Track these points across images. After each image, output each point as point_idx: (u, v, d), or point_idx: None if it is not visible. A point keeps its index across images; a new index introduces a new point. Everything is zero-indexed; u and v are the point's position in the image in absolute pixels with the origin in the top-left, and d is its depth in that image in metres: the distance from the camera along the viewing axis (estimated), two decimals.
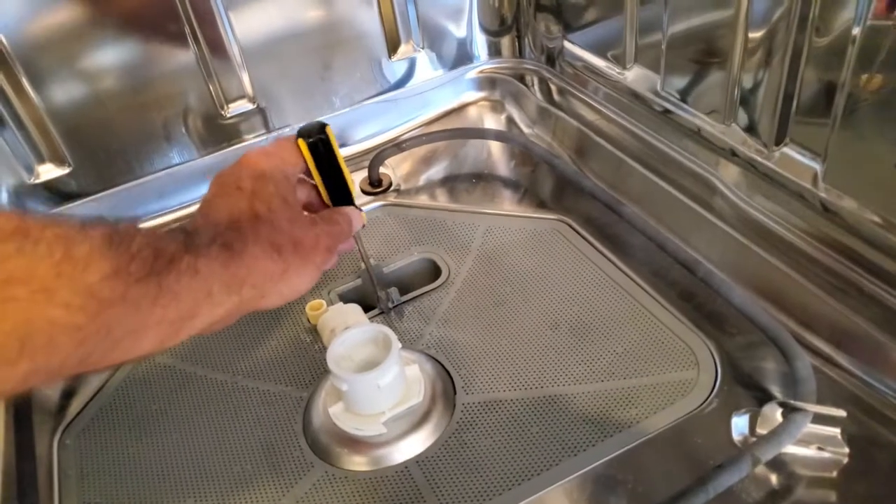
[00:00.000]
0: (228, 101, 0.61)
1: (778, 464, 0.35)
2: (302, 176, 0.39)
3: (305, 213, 0.37)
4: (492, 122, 0.70)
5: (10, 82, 0.53)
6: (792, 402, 0.34)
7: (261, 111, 0.62)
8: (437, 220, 0.58)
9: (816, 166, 0.41)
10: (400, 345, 0.41)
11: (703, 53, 0.48)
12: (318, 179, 0.40)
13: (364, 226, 0.41)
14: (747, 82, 0.45)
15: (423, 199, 0.62)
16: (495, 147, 0.66)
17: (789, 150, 0.43)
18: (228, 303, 0.30)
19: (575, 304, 0.48)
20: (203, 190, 0.35)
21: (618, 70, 0.57)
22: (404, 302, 0.51)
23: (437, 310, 0.50)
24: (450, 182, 0.65)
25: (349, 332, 0.42)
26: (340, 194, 0.41)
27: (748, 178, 0.47)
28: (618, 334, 0.45)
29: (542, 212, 0.58)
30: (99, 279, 0.24)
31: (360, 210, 0.41)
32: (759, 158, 0.45)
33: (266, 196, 0.33)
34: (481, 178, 0.64)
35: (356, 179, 0.63)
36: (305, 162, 0.39)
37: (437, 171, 0.66)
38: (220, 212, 0.32)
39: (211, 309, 0.29)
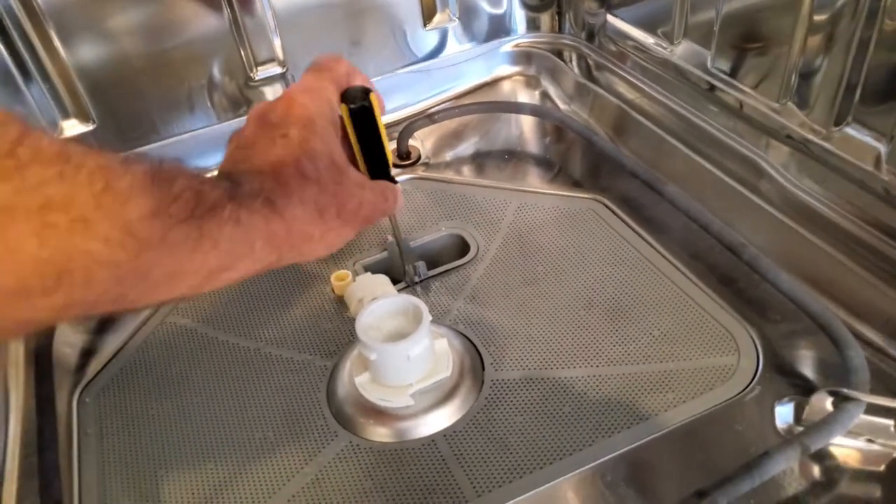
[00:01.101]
0: (258, 64, 0.59)
1: (822, 455, 0.34)
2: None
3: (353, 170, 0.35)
4: (526, 97, 0.68)
5: (39, 36, 0.52)
6: (845, 390, 0.33)
7: (288, 77, 0.61)
8: (467, 196, 0.57)
9: (881, 147, 0.39)
10: (430, 317, 0.39)
11: (761, 31, 0.46)
12: (356, 149, 0.37)
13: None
14: (808, 60, 0.43)
15: (452, 174, 0.61)
16: (528, 123, 0.64)
17: (851, 131, 0.41)
18: (266, 260, 0.29)
19: (610, 285, 0.47)
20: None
21: (665, 45, 0.55)
22: (431, 276, 0.49)
23: (465, 286, 0.48)
24: (480, 158, 0.63)
25: (379, 301, 0.41)
26: (378, 167, 0.38)
27: (799, 161, 0.45)
28: (654, 317, 0.44)
29: (577, 190, 0.56)
30: (139, 216, 0.22)
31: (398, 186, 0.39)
32: (814, 139, 0.43)
33: (314, 154, 0.31)
34: (513, 155, 0.62)
35: None
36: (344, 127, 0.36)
37: (467, 147, 0.64)
38: (264, 157, 0.30)
39: (250, 264, 0.28)
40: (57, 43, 0.52)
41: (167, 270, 0.24)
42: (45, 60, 0.53)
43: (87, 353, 0.46)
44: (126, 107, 0.57)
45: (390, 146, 0.39)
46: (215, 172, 0.30)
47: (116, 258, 0.22)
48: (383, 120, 0.37)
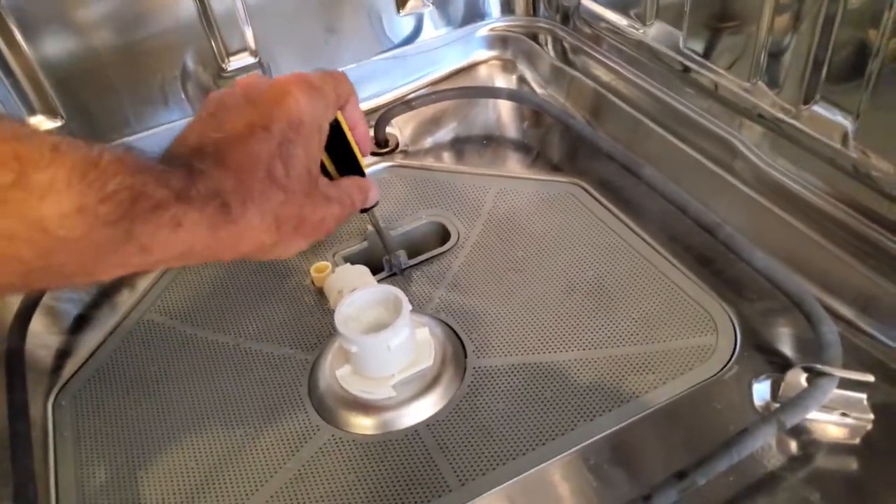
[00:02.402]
0: (229, 54, 0.58)
1: (799, 430, 0.34)
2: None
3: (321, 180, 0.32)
4: (503, 82, 0.67)
5: (0, 32, 0.50)
6: (818, 366, 0.33)
7: (262, 65, 0.60)
8: (446, 183, 0.56)
9: (847, 124, 0.39)
10: (410, 306, 0.39)
11: (731, 10, 0.45)
12: (324, 156, 0.35)
13: (377, 203, 0.38)
14: (776, 39, 0.43)
15: (431, 161, 0.60)
16: (506, 108, 0.64)
17: (819, 108, 0.41)
18: (200, 258, 0.26)
19: (590, 269, 0.47)
20: None
21: (638, 26, 0.55)
22: (412, 265, 0.49)
23: (446, 274, 0.48)
24: (459, 144, 0.62)
25: (358, 292, 0.41)
26: (349, 166, 0.36)
27: (772, 140, 0.46)
28: (634, 299, 0.44)
29: (556, 175, 0.56)
30: (57, 214, 0.20)
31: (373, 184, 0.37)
32: (785, 118, 0.43)
33: (291, 159, 0.28)
34: (491, 140, 0.62)
35: None
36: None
37: (445, 133, 0.63)
38: (235, 145, 0.27)
39: (182, 260, 0.25)
40: (19, 37, 0.51)
41: (83, 267, 0.23)
42: (7, 55, 0.51)
43: (62, 355, 0.46)
44: (96, 101, 0.55)
45: (369, 133, 0.37)
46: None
47: (21, 254, 0.20)
48: (361, 106, 0.35)
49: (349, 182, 0.34)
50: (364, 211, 0.39)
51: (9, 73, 0.52)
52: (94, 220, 0.21)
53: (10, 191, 0.19)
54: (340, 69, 0.62)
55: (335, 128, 0.33)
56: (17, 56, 0.51)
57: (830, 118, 0.41)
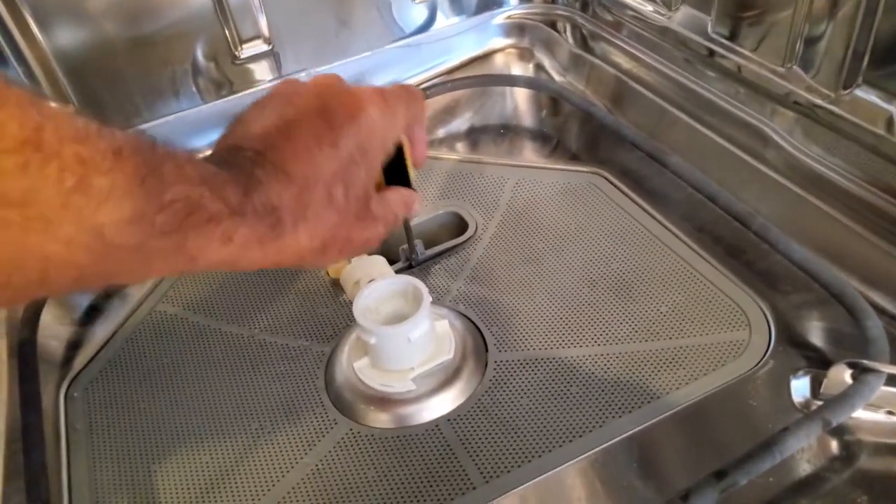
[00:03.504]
0: (243, 42, 0.57)
1: (841, 430, 0.33)
2: None
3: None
4: (519, 70, 0.66)
5: (15, 20, 0.49)
6: (864, 361, 0.32)
7: (274, 54, 0.59)
8: (463, 173, 0.55)
9: (893, 109, 0.38)
10: (430, 298, 0.38)
11: None
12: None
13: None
14: (815, 21, 0.41)
15: (446, 151, 0.59)
16: (523, 97, 0.62)
17: (861, 93, 0.39)
18: (244, 268, 0.25)
19: (614, 261, 0.45)
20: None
21: (663, 12, 0.53)
22: (430, 256, 0.48)
23: (464, 266, 0.47)
24: (474, 134, 0.61)
25: (376, 283, 0.39)
26: (398, 181, 0.33)
27: (805, 126, 0.44)
28: (661, 293, 0.42)
29: (576, 164, 0.55)
30: (114, 221, 0.20)
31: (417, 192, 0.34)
32: (822, 103, 0.42)
33: (353, 182, 0.27)
34: (508, 130, 0.60)
35: None
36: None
37: (460, 123, 0.62)
38: (301, 168, 0.25)
39: (223, 267, 0.25)
40: (33, 26, 0.50)
41: (132, 272, 0.22)
42: (22, 45, 0.50)
43: (74, 346, 0.45)
44: (107, 90, 0.55)
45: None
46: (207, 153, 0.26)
47: (77, 260, 0.20)
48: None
49: (395, 196, 0.32)
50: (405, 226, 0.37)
51: (22, 60, 0.51)
52: (150, 228, 0.21)
53: (71, 195, 0.19)
54: (354, 57, 0.62)
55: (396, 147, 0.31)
56: (30, 44, 0.51)
57: (874, 103, 0.39)
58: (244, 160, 0.25)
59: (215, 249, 0.23)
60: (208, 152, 0.26)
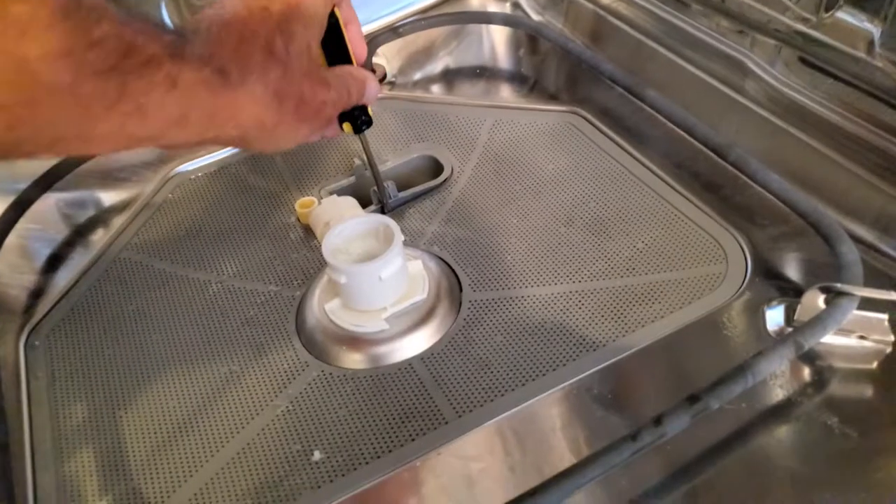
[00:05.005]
0: None
1: (813, 356, 0.33)
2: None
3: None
4: (495, 8, 0.63)
5: None
6: (837, 285, 0.31)
7: None
8: (438, 115, 0.53)
9: (874, 30, 0.36)
10: (402, 236, 0.37)
11: None
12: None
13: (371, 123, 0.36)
14: None
15: (420, 93, 0.57)
16: (499, 36, 0.60)
17: (843, 15, 0.38)
18: (203, 136, 0.25)
19: (591, 200, 0.44)
20: None
21: None
22: (404, 200, 0.46)
23: (440, 208, 0.46)
24: (450, 75, 0.59)
25: (346, 223, 0.38)
26: (342, 62, 0.34)
27: (786, 57, 0.43)
28: (638, 230, 0.42)
29: (554, 104, 0.53)
30: (41, 54, 0.18)
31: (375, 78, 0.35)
32: (803, 28, 0.40)
33: (291, 34, 0.27)
34: (485, 70, 0.58)
35: None
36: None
37: (435, 64, 0.60)
38: (232, 26, 0.26)
39: (181, 135, 0.24)
40: None
41: (75, 129, 0.21)
42: None
43: (35, 294, 0.43)
44: None
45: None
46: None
47: (3, 99, 0.18)
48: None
49: (346, 70, 0.33)
50: (357, 132, 0.36)
51: None
52: (81, 66, 0.20)
53: None
54: None
55: (331, 24, 0.32)
56: None
57: (856, 25, 0.37)
58: (162, 26, 0.24)
59: (161, 97, 0.22)
60: None
